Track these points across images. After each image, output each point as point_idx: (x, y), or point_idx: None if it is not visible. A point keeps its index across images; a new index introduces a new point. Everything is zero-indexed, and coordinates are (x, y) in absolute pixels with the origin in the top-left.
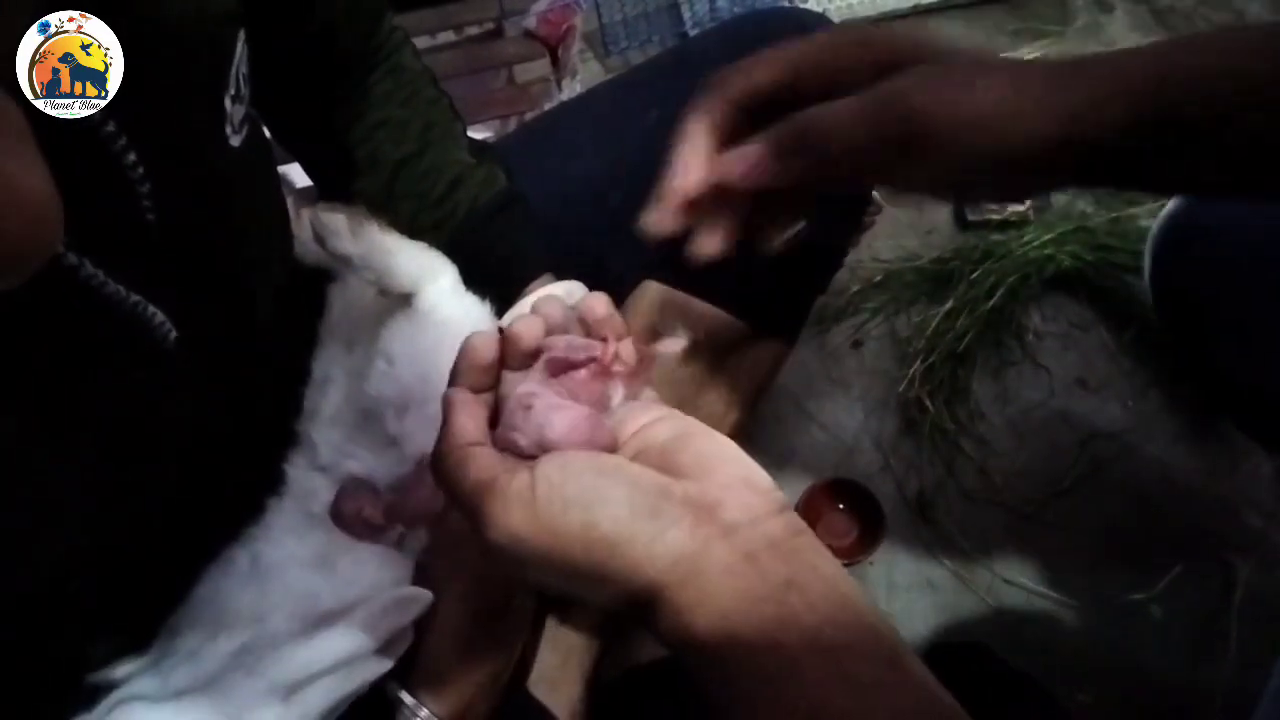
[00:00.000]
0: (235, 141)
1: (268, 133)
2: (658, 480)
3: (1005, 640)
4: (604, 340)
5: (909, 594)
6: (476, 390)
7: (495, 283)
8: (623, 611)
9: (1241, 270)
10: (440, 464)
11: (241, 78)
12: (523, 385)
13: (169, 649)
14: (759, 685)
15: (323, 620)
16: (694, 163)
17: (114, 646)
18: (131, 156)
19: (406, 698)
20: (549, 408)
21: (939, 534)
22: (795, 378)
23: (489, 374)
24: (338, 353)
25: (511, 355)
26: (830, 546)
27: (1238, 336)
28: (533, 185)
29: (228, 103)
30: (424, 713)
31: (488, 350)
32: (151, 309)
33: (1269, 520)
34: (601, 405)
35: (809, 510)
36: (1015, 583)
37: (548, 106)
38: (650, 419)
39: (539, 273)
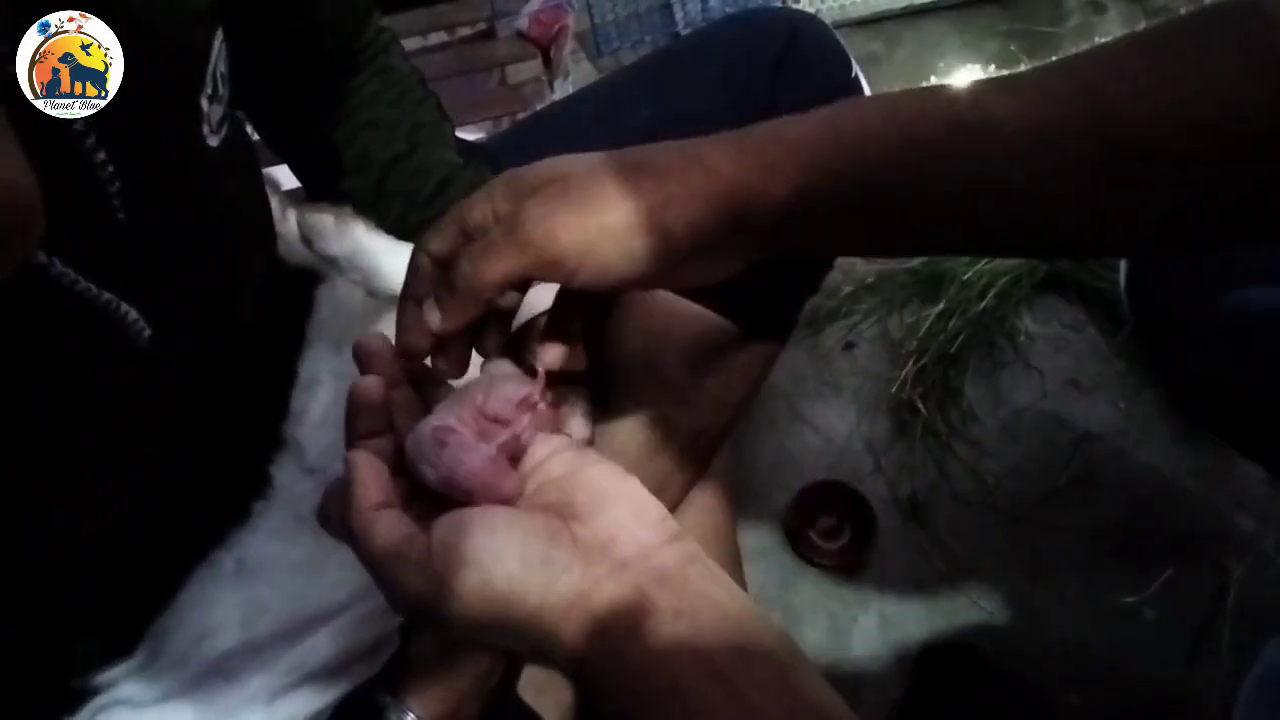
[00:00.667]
0: (213, 141)
1: (254, 133)
2: (548, 527)
3: (996, 642)
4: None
5: (900, 596)
6: (375, 434)
7: None
8: (530, 656)
9: (1216, 277)
10: (348, 529)
11: (220, 78)
12: (440, 416)
13: (154, 653)
14: (649, 710)
15: (309, 624)
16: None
17: (99, 649)
18: (101, 155)
19: (393, 702)
20: (461, 447)
21: (931, 536)
22: (787, 379)
23: (383, 411)
24: (325, 354)
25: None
26: (821, 549)
27: (1214, 343)
28: None
29: (204, 102)
30: (410, 717)
31: (374, 393)
32: (124, 307)
33: (1262, 523)
34: (515, 446)
35: (800, 512)
36: (1007, 585)
37: (540, 107)
38: (547, 452)
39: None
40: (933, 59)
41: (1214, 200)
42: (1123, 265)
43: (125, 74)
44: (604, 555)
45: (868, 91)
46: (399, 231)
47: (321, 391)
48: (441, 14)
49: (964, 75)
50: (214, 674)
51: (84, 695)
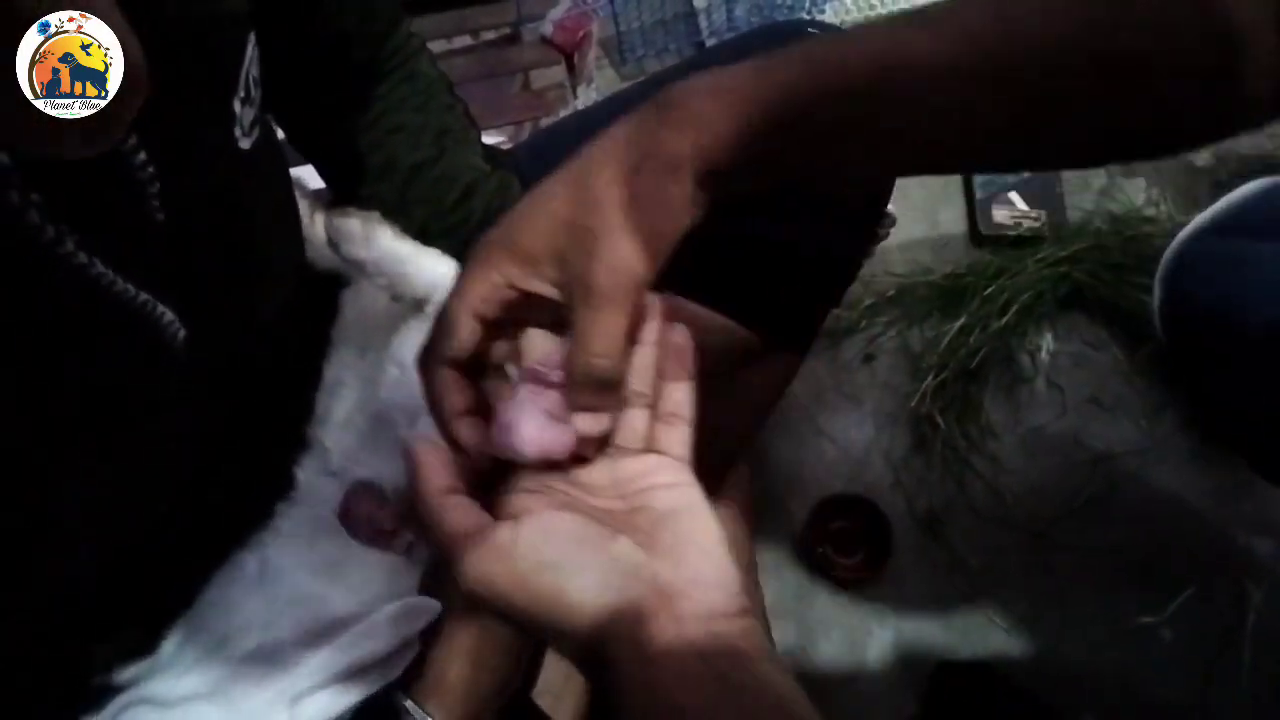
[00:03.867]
0: (245, 144)
1: (281, 135)
2: (632, 558)
3: (1012, 660)
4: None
5: (916, 611)
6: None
7: None
8: (571, 657)
9: (1252, 303)
10: (419, 509)
11: (252, 80)
12: (509, 405)
13: (178, 653)
14: None
15: (330, 628)
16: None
17: (122, 648)
18: (141, 156)
19: (413, 707)
20: (537, 428)
21: (948, 552)
22: (806, 390)
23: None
24: (350, 357)
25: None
26: (838, 562)
27: (1245, 369)
28: None
29: (237, 105)
30: None
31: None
32: (160, 308)
33: None
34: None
35: (817, 525)
36: (1024, 602)
37: (563, 113)
38: (665, 481)
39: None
40: None
41: (1133, 118)
42: (1156, 291)
43: (162, 75)
44: (672, 604)
45: None
46: (423, 237)
47: (345, 394)
48: (467, 17)
49: None
50: (238, 675)
51: (107, 693)
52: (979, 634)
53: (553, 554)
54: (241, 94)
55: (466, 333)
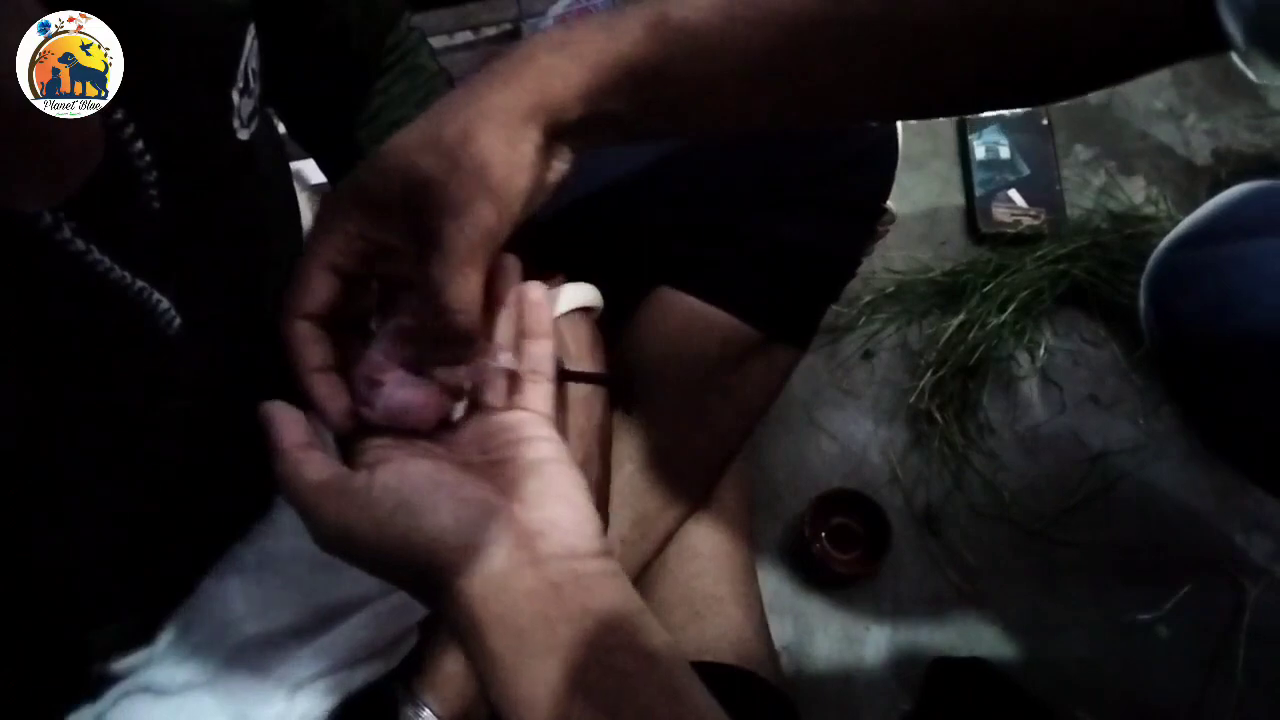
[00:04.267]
0: (243, 135)
1: (282, 129)
2: (487, 499)
3: (1009, 656)
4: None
5: (913, 607)
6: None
7: None
8: (429, 603)
9: (1233, 310)
10: (275, 469)
11: (251, 72)
12: (368, 361)
13: (176, 642)
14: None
15: (328, 618)
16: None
17: (120, 636)
18: (139, 145)
19: (410, 698)
20: (397, 384)
21: (946, 548)
22: (805, 387)
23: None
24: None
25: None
26: (835, 557)
27: (1233, 374)
28: None
29: (235, 96)
30: (426, 713)
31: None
32: (156, 295)
33: None
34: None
35: (815, 519)
36: (1021, 599)
37: None
38: (529, 435)
39: (551, 275)
40: None
41: (1005, 69)
42: (1141, 300)
43: (160, 64)
44: (530, 545)
45: None
46: None
47: None
48: (468, 13)
49: None
50: (236, 664)
51: (105, 682)
52: (975, 630)
53: (408, 495)
54: (240, 85)
55: (321, 286)
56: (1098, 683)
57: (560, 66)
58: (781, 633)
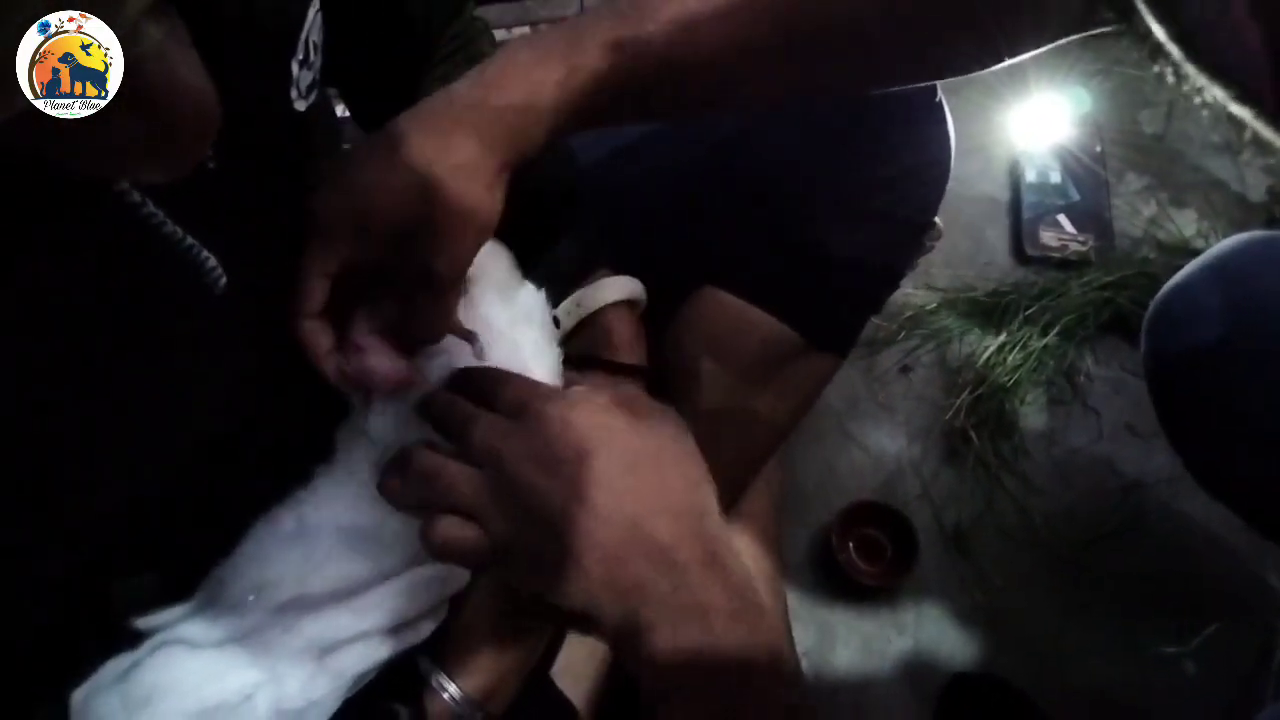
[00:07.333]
0: (300, 106)
1: (343, 111)
2: None
3: (1029, 679)
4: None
5: (937, 623)
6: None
7: (552, 272)
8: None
9: (1224, 355)
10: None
11: (312, 45)
12: (355, 332)
13: (213, 599)
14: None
15: (362, 587)
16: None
17: (154, 589)
18: None
19: (436, 672)
20: (372, 353)
21: (973, 568)
22: (840, 397)
23: None
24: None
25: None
26: (861, 568)
27: (1233, 424)
28: (601, 180)
29: (295, 66)
30: (452, 688)
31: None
32: (205, 253)
33: None
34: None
35: (843, 529)
36: (1045, 623)
37: None
38: None
39: (597, 266)
40: (1010, 79)
41: (900, 52)
42: (1143, 344)
43: (221, 28)
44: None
45: (949, 118)
46: None
47: None
48: (528, 9)
49: (1037, 95)
50: (270, 624)
51: (142, 635)
52: (997, 650)
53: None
54: (300, 56)
55: (320, 293)
56: (1118, 713)
57: (526, 127)
58: (804, 639)
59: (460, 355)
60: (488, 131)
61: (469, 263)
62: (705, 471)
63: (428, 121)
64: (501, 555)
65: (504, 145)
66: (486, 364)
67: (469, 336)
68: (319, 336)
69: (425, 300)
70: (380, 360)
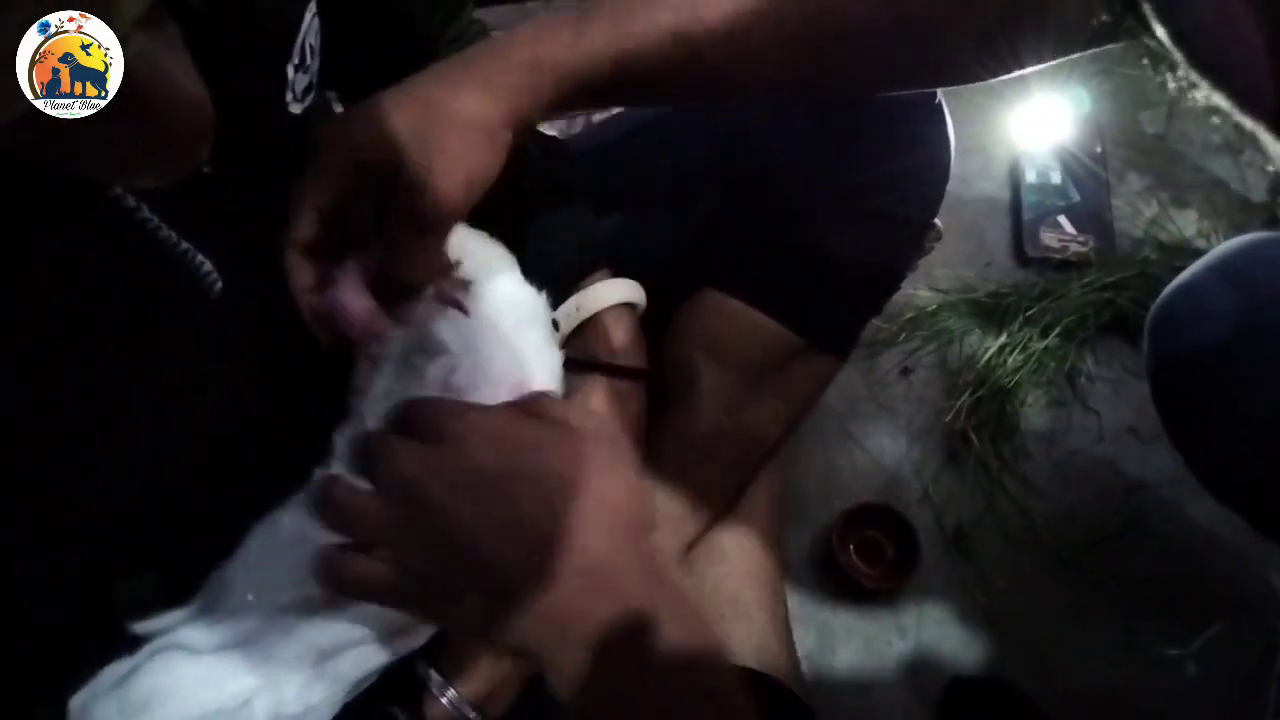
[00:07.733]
0: (296, 109)
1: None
2: None
3: (1031, 681)
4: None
5: (938, 626)
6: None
7: (552, 275)
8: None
9: (1229, 356)
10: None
11: (308, 49)
12: (342, 270)
13: (212, 603)
14: None
15: None
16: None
17: (152, 593)
18: None
19: (434, 676)
20: (346, 289)
21: (974, 570)
22: (841, 399)
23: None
24: (392, 333)
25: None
26: (862, 570)
27: (1237, 426)
28: (601, 184)
29: (290, 70)
30: (450, 692)
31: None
32: (200, 258)
33: None
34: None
35: (843, 531)
36: (1046, 625)
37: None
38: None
39: (596, 268)
40: (1010, 80)
41: (909, 59)
42: (1145, 345)
43: (218, 32)
44: None
45: (948, 119)
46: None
47: (386, 367)
48: (529, 10)
49: (1038, 95)
50: (269, 629)
51: (141, 640)
52: (999, 652)
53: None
54: (296, 60)
55: (309, 223)
56: (1120, 715)
57: (532, 84)
58: (804, 642)
59: (440, 325)
60: (495, 82)
61: (456, 207)
62: (638, 484)
63: (441, 72)
64: (416, 589)
65: (509, 99)
66: (470, 334)
67: (456, 302)
68: (301, 270)
69: (407, 238)
70: (350, 298)
